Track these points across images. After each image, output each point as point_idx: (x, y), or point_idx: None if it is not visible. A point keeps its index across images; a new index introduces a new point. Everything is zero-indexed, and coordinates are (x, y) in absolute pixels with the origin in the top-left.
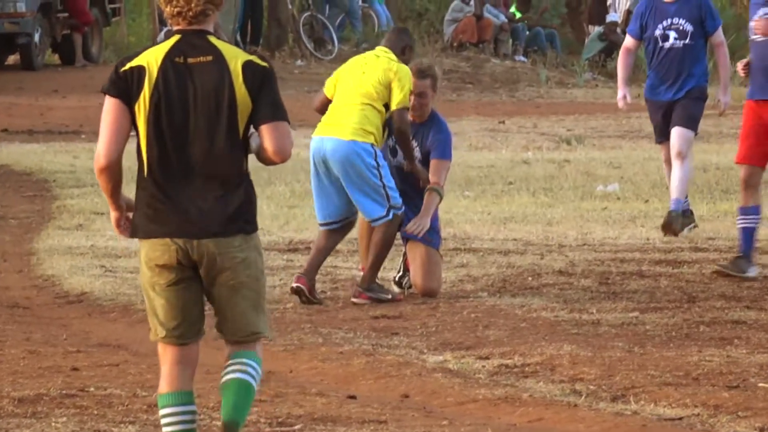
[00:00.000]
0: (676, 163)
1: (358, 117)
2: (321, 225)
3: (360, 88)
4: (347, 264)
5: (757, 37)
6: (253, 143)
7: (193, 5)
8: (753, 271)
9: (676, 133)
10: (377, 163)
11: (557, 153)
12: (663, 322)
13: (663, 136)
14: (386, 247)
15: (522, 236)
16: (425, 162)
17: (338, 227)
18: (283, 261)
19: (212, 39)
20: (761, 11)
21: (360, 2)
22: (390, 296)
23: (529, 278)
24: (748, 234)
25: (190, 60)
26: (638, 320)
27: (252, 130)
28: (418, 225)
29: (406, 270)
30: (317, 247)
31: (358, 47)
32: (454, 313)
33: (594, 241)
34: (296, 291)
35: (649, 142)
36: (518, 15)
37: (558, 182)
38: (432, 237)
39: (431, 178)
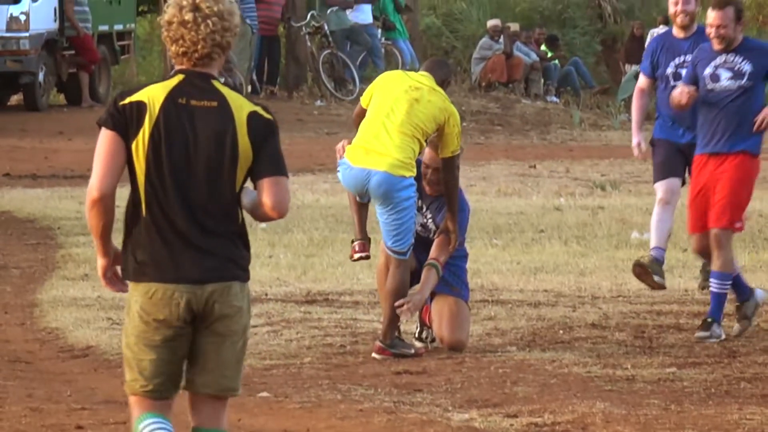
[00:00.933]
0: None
1: (403, 149)
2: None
3: (412, 117)
4: (368, 316)
5: (718, 86)
6: (245, 199)
7: (199, 47)
8: (723, 335)
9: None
10: (415, 197)
11: (591, 199)
12: (701, 378)
13: (668, 174)
14: (400, 296)
15: (553, 287)
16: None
17: None
18: (300, 313)
19: (217, 84)
20: (725, 74)
21: (383, 39)
22: (413, 351)
23: (561, 331)
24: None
25: (194, 102)
26: (675, 376)
27: (243, 186)
28: (411, 303)
29: (423, 325)
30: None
31: None
32: (481, 369)
33: (629, 292)
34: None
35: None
36: (550, 53)
37: (591, 230)
38: (461, 288)
39: (433, 253)
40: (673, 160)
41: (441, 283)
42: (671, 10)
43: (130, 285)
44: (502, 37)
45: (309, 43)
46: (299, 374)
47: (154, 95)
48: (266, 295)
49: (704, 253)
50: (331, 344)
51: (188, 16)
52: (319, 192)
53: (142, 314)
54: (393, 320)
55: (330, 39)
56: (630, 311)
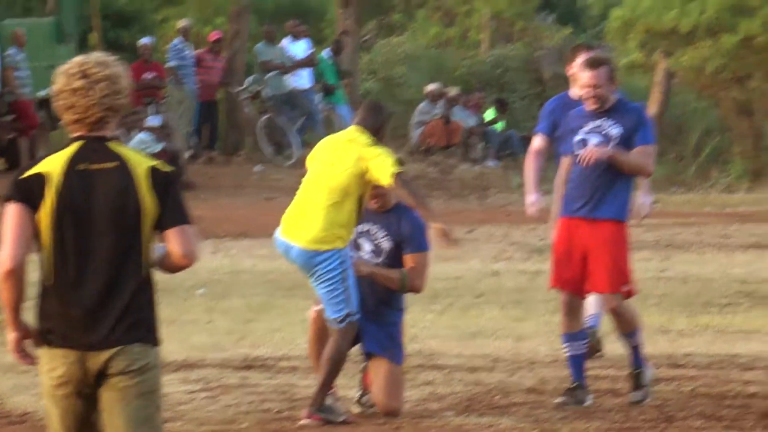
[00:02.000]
0: None
1: (323, 222)
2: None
3: (329, 181)
4: (306, 381)
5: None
6: (155, 255)
7: (92, 112)
8: (590, 399)
9: None
10: (343, 267)
11: (529, 263)
12: None
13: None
14: (338, 362)
15: (490, 352)
16: (397, 252)
17: None
18: (237, 379)
19: (113, 145)
20: (594, 139)
21: (322, 104)
22: (342, 418)
23: (498, 396)
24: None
25: (94, 166)
26: None
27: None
28: (362, 267)
29: (365, 389)
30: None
31: None
32: None
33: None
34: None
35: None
36: (493, 116)
37: (529, 294)
38: (394, 350)
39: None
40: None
41: (375, 344)
42: (575, 71)
43: (40, 352)
44: (441, 101)
45: (247, 108)
46: None
47: (53, 165)
48: (204, 360)
49: (572, 309)
50: (269, 410)
51: (78, 84)
52: (257, 257)
53: (47, 372)
54: (326, 387)
55: (269, 104)
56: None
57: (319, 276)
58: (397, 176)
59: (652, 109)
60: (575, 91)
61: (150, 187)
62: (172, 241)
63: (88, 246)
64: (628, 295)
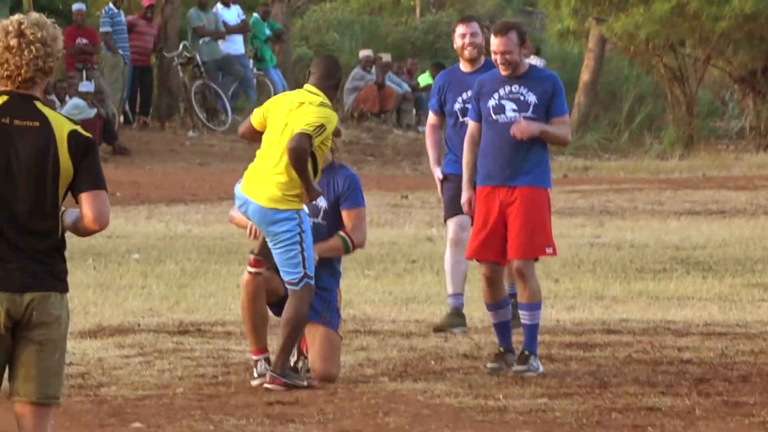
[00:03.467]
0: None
1: (280, 181)
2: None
3: (283, 143)
4: (240, 347)
5: (502, 117)
6: (68, 219)
7: (23, 71)
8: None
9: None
10: (300, 229)
11: None
12: (573, 409)
13: (458, 211)
14: (298, 325)
15: (425, 317)
16: (335, 209)
17: None
18: (172, 344)
19: (39, 105)
20: (510, 104)
21: (254, 70)
22: (305, 383)
23: (432, 362)
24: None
25: (17, 122)
26: (547, 406)
27: (63, 207)
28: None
29: (300, 354)
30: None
31: None
32: (353, 399)
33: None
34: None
35: (560, 218)
36: (429, 81)
37: None
38: (331, 317)
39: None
40: (456, 199)
41: (311, 311)
42: (458, 43)
43: None
44: (374, 67)
45: (181, 74)
46: (171, 405)
47: None
48: (139, 325)
49: (493, 279)
50: (204, 375)
51: (13, 42)
52: (192, 222)
53: None
54: (287, 351)
55: (202, 69)
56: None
57: (275, 236)
58: (300, 136)
59: (585, 75)
60: (464, 65)
61: (68, 149)
62: (85, 205)
63: (6, 196)
64: (551, 255)
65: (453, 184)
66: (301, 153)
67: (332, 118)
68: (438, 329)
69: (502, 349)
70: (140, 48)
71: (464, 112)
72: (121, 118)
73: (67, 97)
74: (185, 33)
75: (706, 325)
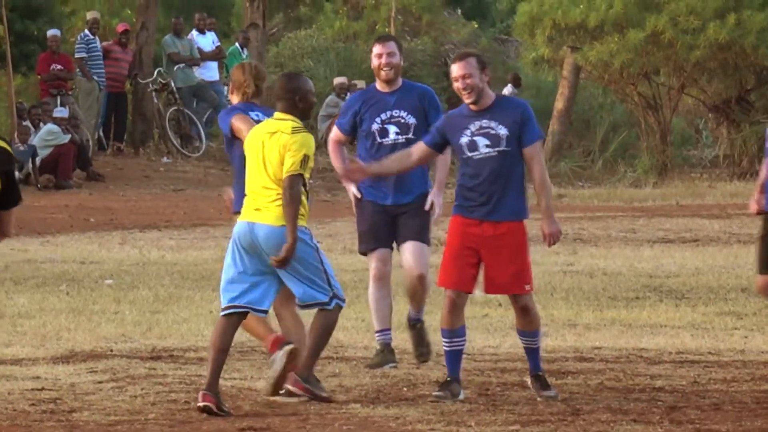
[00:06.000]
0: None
1: (280, 201)
2: (227, 309)
3: (270, 173)
4: None
5: (477, 154)
6: None
7: None
8: (462, 395)
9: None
10: (314, 245)
11: (435, 257)
12: None
13: (379, 244)
14: (328, 334)
15: (397, 344)
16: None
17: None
18: (145, 369)
19: None
20: (483, 141)
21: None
22: (326, 394)
23: (405, 389)
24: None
25: None
26: None
27: None
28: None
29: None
30: (217, 347)
31: None
32: (325, 425)
33: (473, 349)
34: (204, 409)
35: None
36: None
37: (435, 287)
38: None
39: None
40: (381, 226)
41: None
42: (374, 63)
43: None
44: (348, 94)
45: (156, 100)
46: (144, 430)
47: None
48: (111, 351)
49: (458, 305)
50: (176, 400)
51: None
52: (165, 248)
53: None
54: (314, 357)
55: (176, 96)
56: (474, 368)
57: (296, 260)
58: (291, 178)
59: (559, 104)
60: (381, 85)
61: None
62: (3, 222)
63: None
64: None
65: (367, 214)
66: (297, 195)
67: (309, 141)
68: (371, 366)
69: (449, 378)
70: (115, 74)
71: (383, 132)
72: (96, 145)
73: (41, 123)
74: (160, 59)
75: (678, 353)
